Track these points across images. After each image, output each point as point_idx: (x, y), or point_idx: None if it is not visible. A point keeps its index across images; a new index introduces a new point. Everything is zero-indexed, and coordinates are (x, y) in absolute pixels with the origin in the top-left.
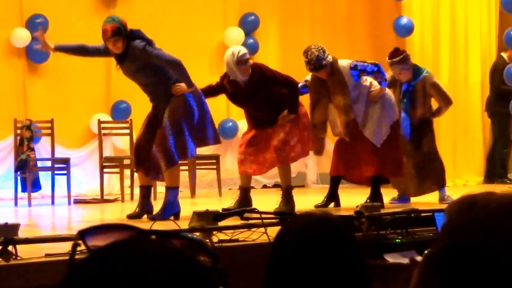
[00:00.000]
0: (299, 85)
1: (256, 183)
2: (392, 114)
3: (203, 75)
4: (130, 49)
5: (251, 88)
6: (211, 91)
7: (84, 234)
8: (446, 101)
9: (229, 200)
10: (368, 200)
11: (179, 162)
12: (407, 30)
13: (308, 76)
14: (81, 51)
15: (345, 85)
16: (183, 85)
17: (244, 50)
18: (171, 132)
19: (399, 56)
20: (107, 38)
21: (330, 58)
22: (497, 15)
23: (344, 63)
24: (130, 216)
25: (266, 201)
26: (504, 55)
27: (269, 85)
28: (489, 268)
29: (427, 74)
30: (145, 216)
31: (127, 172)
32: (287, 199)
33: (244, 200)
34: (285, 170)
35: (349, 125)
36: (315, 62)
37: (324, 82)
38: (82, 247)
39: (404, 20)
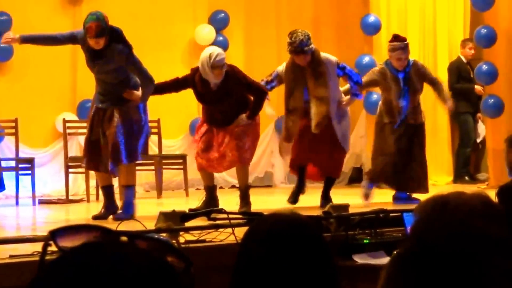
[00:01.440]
0: (270, 78)
1: (225, 183)
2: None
3: (173, 72)
4: (110, 49)
5: (222, 92)
6: (177, 85)
7: (55, 234)
8: (437, 76)
9: (196, 201)
10: (323, 201)
11: (136, 161)
12: (374, 28)
13: (281, 67)
14: (49, 40)
15: (326, 77)
16: (137, 94)
17: (221, 55)
18: (122, 132)
19: (405, 42)
20: (90, 37)
21: (313, 47)
22: (467, 14)
23: (331, 57)
24: (96, 217)
25: (234, 201)
26: (462, 55)
27: (240, 90)
28: (457, 269)
29: (413, 60)
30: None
31: (92, 172)
32: (246, 199)
33: (211, 200)
34: (244, 170)
35: (325, 119)
36: (298, 45)
37: (302, 70)
38: (51, 248)
39: (371, 18)
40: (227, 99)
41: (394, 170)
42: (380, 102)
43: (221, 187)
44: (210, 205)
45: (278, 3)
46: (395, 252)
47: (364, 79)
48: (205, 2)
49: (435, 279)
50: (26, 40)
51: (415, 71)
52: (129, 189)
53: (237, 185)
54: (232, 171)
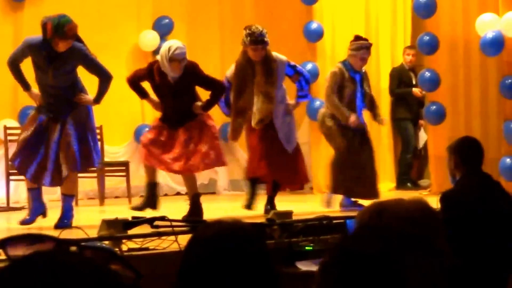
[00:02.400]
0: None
1: (170, 190)
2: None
3: (118, 78)
4: (70, 49)
5: (179, 86)
6: (139, 77)
7: (5, 243)
8: None
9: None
10: (268, 207)
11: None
12: (317, 35)
13: (229, 71)
14: (19, 70)
15: (276, 75)
16: (88, 97)
17: (181, 49)
18: (76, 138)
19: (369, 42)
20: (67, 38)
21: (268, 41)
22: (408, 21)
23: (280, 56)
24: (23, 222)
25: (178, 208)
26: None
27: (197, 84)
28: (379, 272)
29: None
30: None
31: None
32: (197, 207)
33: (152, 196)
34: (192, 177)
35: (268, 117)
36: (259, 35)
37: (252, 67)
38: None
39: (314, 25)
40: (182, 95)
41: (357, 180)
42: (323, 108)
43: (165, 194)
44: (151, 202)
45: (221, 9)
46: (321, 261)
47: (331, 83)
48: (149, 7)
49: (359, 284)
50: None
51: (366, 79)
52: (71, 198)
53: (182, 192)
54: (178, 177)
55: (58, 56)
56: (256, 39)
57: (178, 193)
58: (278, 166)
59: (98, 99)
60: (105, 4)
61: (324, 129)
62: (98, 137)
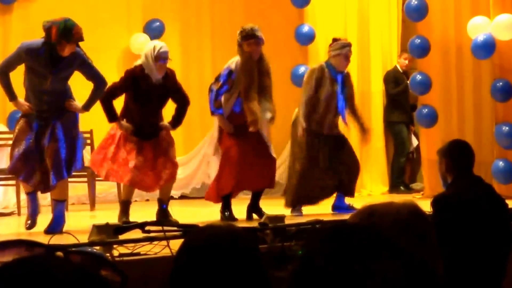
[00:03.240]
0: (219, 84)
1: (139, 196)
2: None
3: (109, 82)
4: (72, 54)
5: (163, 91)
6: (119, 91)
7: None
8: None
9: (130, 213)
10: (254, 213)
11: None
12: (309, 38)
13: (232, 63)
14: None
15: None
16: (77, 103)
17: (165, 48)
18: (64, 144)
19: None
20: (74, 41)
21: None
22: (399, 24)
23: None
24: (30, 227)
25: (150, 214)
26: (398, 65)
27: (172, 93)
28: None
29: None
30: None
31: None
32: (166, 214)
33: (126, 213)
34: (171, 185)
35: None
36: (254, 30)
37: (256, 64)
38: None
39: (305, 28)
40: (163, 101)
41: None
42: (298, 109)
43: (135, 200)
44: (125, 219)
45: (212, 12)
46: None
47: (309, 83)
48: (140, 10)
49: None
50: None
51: (348, 80)
52: (62, 203)
53: (150, 199)
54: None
55: (61, 60)
56: (258, 36)
57: (147, 200)
58: (251, 176)
59: (88, 106)
60: (96, 7)
61: (293, 133)
62: (88, 141)
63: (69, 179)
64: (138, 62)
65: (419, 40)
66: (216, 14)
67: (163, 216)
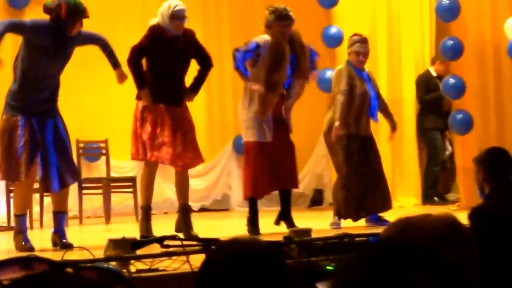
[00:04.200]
0: (246, 48)
1: (157, 209)
2: None
3: (123, 88)
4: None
5: (187, 50)
6: (144, 50)
7: None
8: None
9: None
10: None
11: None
12: (337, 40)
13: (260, 39)
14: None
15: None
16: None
17: (181, 6)
18: (69, 145)
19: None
20: (86, 15)
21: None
22: (432, 25)
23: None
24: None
25: (169, 228)
26: (431, 68)
27: (195, 53)
28: None
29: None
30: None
31: (12, 196)
32: (189, 219)
33: (148, 221)
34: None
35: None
36: (290, 12)
37: (287, 43)
38: None
39: (333, 30)
40: (186, 62)
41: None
42: (330, 113)
43: (154, 214)
44: (148, 226)
45: (232, 13)
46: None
47: (343, 84)
48: (154, 8)
49: None
50: None
51: (372, 77)
52: (63, 215)
53: (169, 211)
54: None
55: (66, 40)
56: (289, 15)
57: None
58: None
59: (115, 63)
60: (111, 7)
61: (328, 140)
62: (104, 151)
63: (84, 191)
64: (154, 20)
65: (451, 42)
66: (236, 15)
67: (187, 216)
